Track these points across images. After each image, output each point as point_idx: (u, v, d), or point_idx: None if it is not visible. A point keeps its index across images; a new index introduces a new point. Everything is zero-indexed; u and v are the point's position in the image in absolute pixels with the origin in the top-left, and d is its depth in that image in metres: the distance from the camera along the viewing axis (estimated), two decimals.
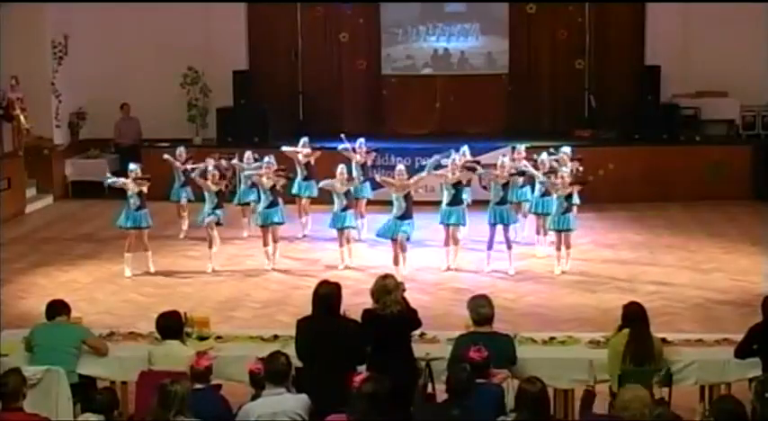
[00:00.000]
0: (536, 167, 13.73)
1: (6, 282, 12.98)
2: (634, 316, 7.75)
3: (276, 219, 13.41)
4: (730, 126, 18.60)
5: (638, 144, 18.12)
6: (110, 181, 13.86)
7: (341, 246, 13.47)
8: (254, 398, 6.90)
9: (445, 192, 13.23)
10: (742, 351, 7.78)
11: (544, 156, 13.97)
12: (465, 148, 14.45)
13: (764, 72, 18.34)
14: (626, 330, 7.73)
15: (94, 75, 19.33)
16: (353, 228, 13.90)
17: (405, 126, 20.08)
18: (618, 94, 19.38)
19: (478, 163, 14.02)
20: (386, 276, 7.70)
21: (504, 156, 14.17)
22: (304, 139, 15.56)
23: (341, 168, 13.74)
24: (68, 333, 8.06)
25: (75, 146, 19.53)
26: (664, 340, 7.96)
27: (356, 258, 13.58)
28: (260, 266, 13.52)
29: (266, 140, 18.43)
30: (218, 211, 13.59)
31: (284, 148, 15.41)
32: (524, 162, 13.89)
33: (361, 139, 15.34)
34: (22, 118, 17.57)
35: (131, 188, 13.25)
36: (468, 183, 14.17)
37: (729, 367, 7.83)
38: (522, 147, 14.52)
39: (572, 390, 7.99)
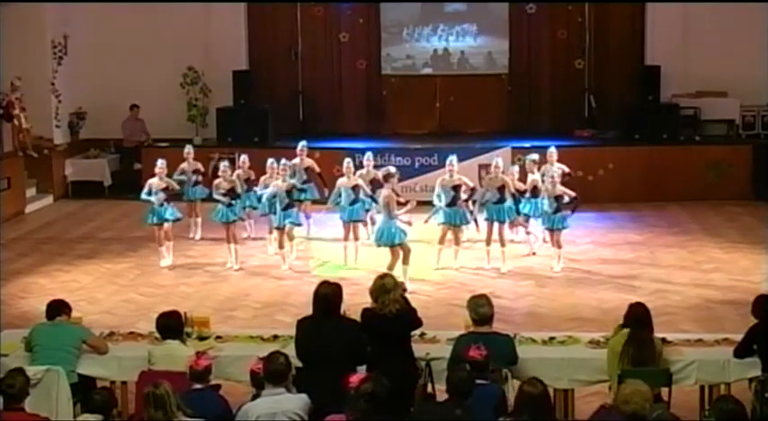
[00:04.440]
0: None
1: (6, 282, 12.98)
2: (636, 317, 7.73)
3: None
4: (730, 126, 18.59)
5: (638, 144, 18.11)
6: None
7: (346, 239, 13.37)
8: (254, 398, 6.90)
9: (443, 195, 13.15)
10: (741, 351, 7.78)
11: (537, 176, 13.83)
12: (453, 158, 14.09)
13: (764, 72, 18.33)
14: (626, 330, 7.73)
15: (94, 75, 19.34)
16: (363, 221, 13.79)
17: (405, 126, 20.08)
18: (618, 94, 19.38)
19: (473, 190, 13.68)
20: (384, 275, 7.71)
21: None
22: (302, 143, 15.14)
23: (347, 162, 13.71)
24: (68, 333, 8.06)
25: (75, 146, 19.52)
26: (664, 340, 7.96)
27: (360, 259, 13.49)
28: (260, 266, 13.54)
29: (266, 140, 18.45)
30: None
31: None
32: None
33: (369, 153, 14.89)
34: (22, 118, 17.55)
35: (156, 184, 13.51)
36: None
37: (729, 367, 7.82)
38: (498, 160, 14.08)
39: (572, 390, 8.00)
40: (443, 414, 6.48)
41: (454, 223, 13.16)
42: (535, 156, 14.63)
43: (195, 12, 19.26)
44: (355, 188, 13.47)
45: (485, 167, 17.34)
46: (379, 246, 12.40)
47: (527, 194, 13.85)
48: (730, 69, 18.35)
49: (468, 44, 20.08)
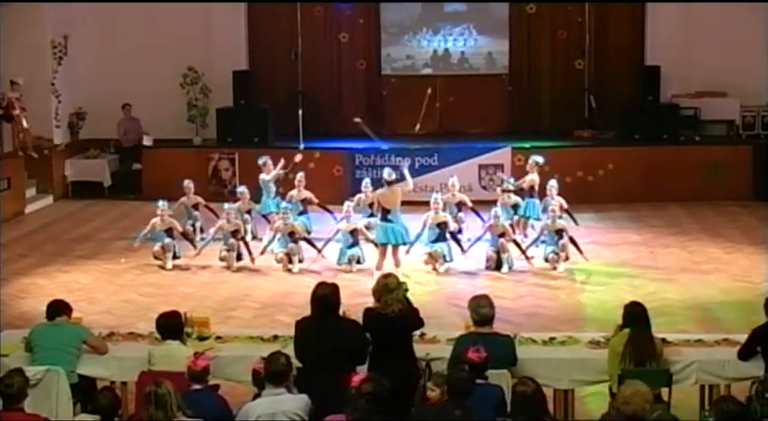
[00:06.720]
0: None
1: (6, 282, 12.98)
2: (634, 316, 7.74)
3: None
4: (730, 126, 18.57)
5: (638, 144, 18.09)
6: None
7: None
8: (254, 398, 6.89)
9: (428, 233, 13.07)
10: (746, 353, 7.77)
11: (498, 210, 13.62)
12: (454, 179, 14.28)
13: (764, 72, 18.35)
14: (626, 330, 7.73)
15: (94, 75, 19.33)
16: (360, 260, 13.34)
17: (405, 126, 20.04)
18: (618, 94, 19.36)
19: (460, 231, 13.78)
20: (387, 275, 7.72)
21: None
22: (264, 158, 15.08)
23: (347, 205, 13.41)
24: (68, 333, 8.06)
25: (75, 146, 19.52)
26: (664, 340, 7.96)
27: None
28: (260, 266, 13.54)
29: (266, 141, 18.45)
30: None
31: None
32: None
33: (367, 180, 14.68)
34: (22, 118, 17.54)
35: (159, 225, 13.56)
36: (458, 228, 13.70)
37: (729, 367, 7.82)
38: (454, 179, 14.30)
39: (572, 390, 7.99)
40: (443, 414, 6.48)
41: (438, 256, 13.04)
42: (539, 159, 14.68)
43: (195, 12, 19.25)
44: (354, 232, 13.17)
45: (484, 168, 17.42)
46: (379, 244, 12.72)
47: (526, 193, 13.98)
48: (730, 69, 18.35)
49: (469, 44, 20.07)
